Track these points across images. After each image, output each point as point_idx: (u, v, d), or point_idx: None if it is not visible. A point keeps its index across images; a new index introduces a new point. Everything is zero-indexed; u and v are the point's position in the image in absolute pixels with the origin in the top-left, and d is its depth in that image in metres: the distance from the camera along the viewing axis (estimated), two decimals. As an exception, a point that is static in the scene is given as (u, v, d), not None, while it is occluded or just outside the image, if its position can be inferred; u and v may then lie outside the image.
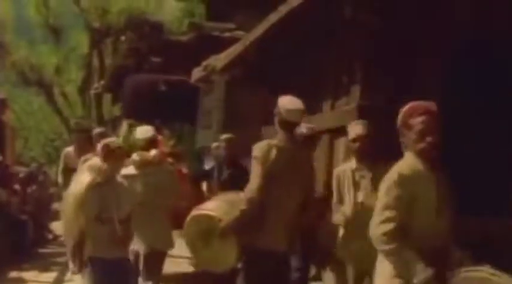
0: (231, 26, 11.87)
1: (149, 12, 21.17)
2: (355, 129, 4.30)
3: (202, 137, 10.52)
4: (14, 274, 6.97)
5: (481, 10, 4.99)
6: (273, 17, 5.94)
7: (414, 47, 5.27)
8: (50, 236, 10.24)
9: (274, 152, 3.56)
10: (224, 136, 6.33)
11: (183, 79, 7.48)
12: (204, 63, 9.94)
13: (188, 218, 4.10)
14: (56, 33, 25.55)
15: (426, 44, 5.27)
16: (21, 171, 10.63)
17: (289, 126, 3.67)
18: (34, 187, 10.07)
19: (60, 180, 6.99)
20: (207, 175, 6.47)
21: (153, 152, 5.13)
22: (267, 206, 3.55)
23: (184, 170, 6.33)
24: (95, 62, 23.83)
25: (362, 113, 5.13)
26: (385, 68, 5.22)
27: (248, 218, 3.57)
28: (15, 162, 10.11)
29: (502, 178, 5.10)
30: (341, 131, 5.34)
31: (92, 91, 21.40)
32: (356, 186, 4.27)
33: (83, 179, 4.14)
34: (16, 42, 25.52)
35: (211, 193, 6.06)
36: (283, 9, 5.67)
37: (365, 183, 4.24)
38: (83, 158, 6.00)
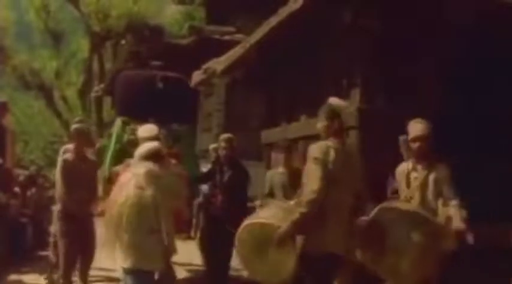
0: (231, 29, 11.91)
1: (149, 16, 21.18)
2: (416, 129, 4.09)
3: (202, 140, 10.51)
4: (13, 276, 6.95)
5: (480, 12, 5.00)
6: (273, 20, 5.95)
7: (414, 51, 5.28)
8: (50, 239, 10.21)
9: (332, 153, 3.51)
10: (223, 136, 6.20)
11: (179, 77, 7.33)
12: (204, 66, 9.97)
13: (240, 228, 3.86)
14: (56, 37, 25.58)
15: (426, 47, 5.29)
16: (21, 173, 10.62)
17: (344, 127, 3.72)
18: (34, 190, 10.03)
19: None
20: (207, 178, 6.34)
21: None
22: (327, 207, 3.45)
23: (184, 172, 6.23)
24: (95, 65, 23.83)
25: (362, 116, 5.14)
26: (384, 71, 5.23)
27: (308, 221, 3.43)
28: (15, 165, 10.09)
29: (504, 178, 5.11)
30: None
31: (93, 94, 21.40)
32: (408, 187, 4.11)
33: (133, 184, 3.81)
34: (16, 47, 25.56)
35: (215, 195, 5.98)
36: (283, 13, 5.68)
37: (415, 186, 4.08)
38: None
